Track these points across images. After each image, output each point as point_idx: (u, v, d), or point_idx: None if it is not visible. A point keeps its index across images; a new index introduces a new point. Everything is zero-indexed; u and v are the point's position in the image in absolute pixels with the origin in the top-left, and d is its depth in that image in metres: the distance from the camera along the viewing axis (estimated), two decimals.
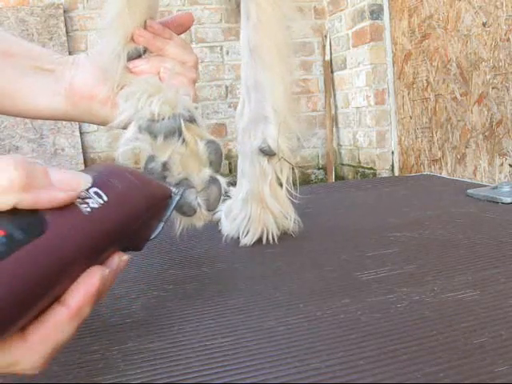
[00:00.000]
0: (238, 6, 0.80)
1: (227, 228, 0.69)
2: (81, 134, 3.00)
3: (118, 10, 0.52)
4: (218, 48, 3.23)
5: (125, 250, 0.37)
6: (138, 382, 0.35)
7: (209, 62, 3.22)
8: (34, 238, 0.28)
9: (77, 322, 0.31)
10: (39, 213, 0.29)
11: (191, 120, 0.50)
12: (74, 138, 2.96)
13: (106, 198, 0.33)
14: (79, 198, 0.32)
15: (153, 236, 0.41)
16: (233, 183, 0.72)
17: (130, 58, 0.54)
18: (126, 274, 0.58)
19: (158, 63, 0.54)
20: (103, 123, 0.55)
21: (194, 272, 0.58)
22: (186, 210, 0.49)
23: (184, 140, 0.49)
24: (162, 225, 0.41)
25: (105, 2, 0.53)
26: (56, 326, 0.30)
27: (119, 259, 0.35)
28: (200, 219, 0.50)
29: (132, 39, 0.53)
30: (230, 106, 3.22)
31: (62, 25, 2.93)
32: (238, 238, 0.67)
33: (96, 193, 0.33)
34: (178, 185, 0.48)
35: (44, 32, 2.89)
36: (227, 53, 3.24)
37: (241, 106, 0.69)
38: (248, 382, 0.34)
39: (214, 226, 0.72)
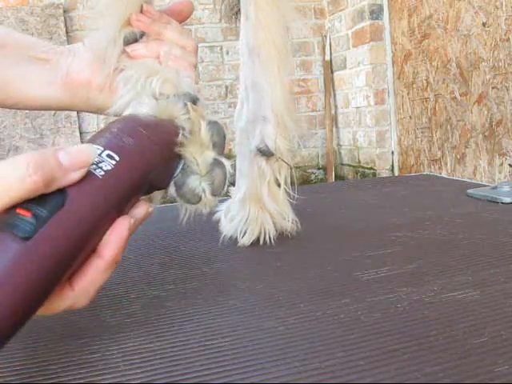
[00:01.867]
0: (233, 8, 0.80)
1: (226, 228, 0.69)
2: (81, 133, 3.01)
3: None
4: (218, 48, 3.23)
5: (151, 191, 0.43)
6: (138, 382, 0.35)
7: (209, 61, 3.22)
8: (56, 212, 0.32)
9: (113, 269, 0.37)
10: (61, 190, 0.34)
11: (194, 100, 0.48)
12: (73, 137, 2.96)
13: (118, 158, 0.37)
14: (93, 164, 0.36)
15: (176, 173, 0.45)
16: (233, 183, 0.72)
17: (127, 43, 0.52)
18: (125, 274, 0.58)
19: (156, 47, 0.52)
20: (100, 111, 0.54)
21: (194, 272, 0.58)
22: (191, 198, 0.48)
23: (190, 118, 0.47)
24: (182, 162, 0.46)
25: None
26: (96, 275, 0.36)
27: (146, 210, 0.40)
28: (205, 205, 0.49)
29: (129, 23, 0.52)
30: (229, 106, 3.22)
31: (62, 25, 2.93)
32: (237, 238, 0.67)
33: (108, 155, 0.37)
34: (181, 170, 0.47)
35: (44, 32, 2.89)
36: (227, 53, 3.24)
37: (239, 107, 0.69)
38: (248, 381, 0.34)
39: (213, 226, 0.72)
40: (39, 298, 0.32)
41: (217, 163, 0.49)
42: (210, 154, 0.48)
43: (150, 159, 0.41)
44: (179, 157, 0.45)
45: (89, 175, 0.35)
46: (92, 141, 0.40)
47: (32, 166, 0.32)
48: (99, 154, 0.37)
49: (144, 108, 0.47)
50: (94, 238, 0.35)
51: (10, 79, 0.53)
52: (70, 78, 0.53)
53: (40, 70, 0.54)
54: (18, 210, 0.31)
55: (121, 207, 0.38)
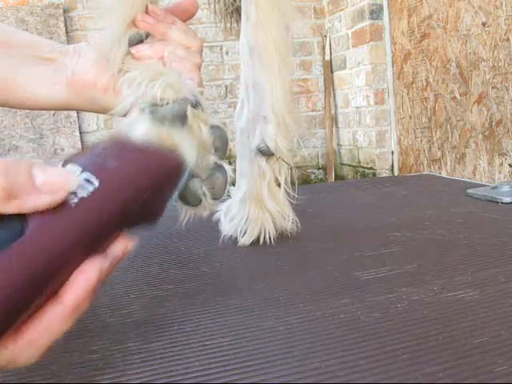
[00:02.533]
0: (228, 7, 0.80)
1: (226, 228, 0.69)
2: (81, 133, 3.00)
3: None
4: (218, 48, 3.23)
5: (136, 225, 0.35)
6: (138, 382, 0.35)
7: (208, 61, 3.22)
8: (11, 242, 0.27)
9: (73, 318, 0.30)
10: (21, 216, 0.28)
11: (196, 105, 0.48)
12: (73, 137, 2.96)
13: (97, 184, 0.31)
14: None
15: (168, 204, 0.38)
16: (233, 183, 0.72)
17: (132, 44, 0.53)
18: (125, 273, 0.58)
19: (161, 48, 0.52)
20: (104, 111, 0.54)
21: (194, 272, 0.58)
22: (191, 200, 0.47)
23: (188, 125, 0.47)
24: (176, 193, 0.38)
25: None
26: (52, 323, 0.30)
27: (124, 247, 0.33)
28: (205, 208, 0.48)
29: (133, 24, 0.52)
30: (229, 106, 3.22)
31: (62, 25, 2.93)
32: (237, 238, 0.67)
33: (86, 180, 0.31)
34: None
35: (44, 32, 2.89)
36: (227, 53, 3.24)
37: (240, 106, 0.69)
38: (248, 381, 0.34)
39: (213, 226, 0.72)
40: None
41: (218, 168, 0.49)
42: (212, 158, 0.48)
43: (135, 188, 0.34)
44: (174, 187, 0.38)
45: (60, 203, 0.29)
46: (72, 159, 0.33)
47: None
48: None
49: (140, 129, 0.45)
50: (55, 278, 0.29)
51: (15, 79, 0.54)
52: (75, 78, 0.53)
53: (45, 70, 0.54)
54: None
55: (95, 244, 0.31)
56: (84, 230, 0.30)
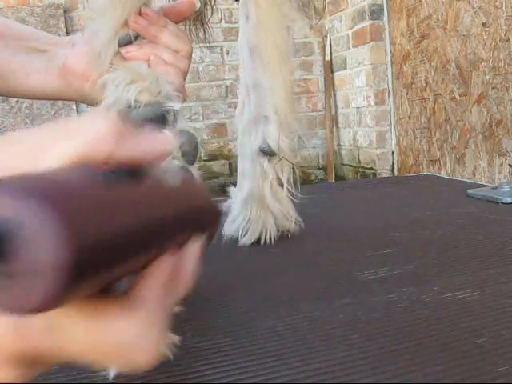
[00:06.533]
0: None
1: (227, 228, 0.69)
2: None
3: None
4: (218, 48, 3.23)
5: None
6: (139, 382, 0.35)
7: (209, 62, 3.22)
8: (134, 183, 0.25)
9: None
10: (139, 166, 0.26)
11: (164, 113, 0.49)
12: None
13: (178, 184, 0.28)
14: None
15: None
16: (233, 183, 0.72)
17: (122, 44, 0.54)
18: None
19: (149, 50, 0.53)
20: (94, 103, 0.56)
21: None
22: None
23: None
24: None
25: None
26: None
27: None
28: None
29: (125, 25, 0.53)
30: (230, 106, 3.22)
31: (62, 25, 2.93)
32: (238, 238, 0.67)
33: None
34: None
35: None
36: (227, 53, 3.24)
37: (240, 107, 0.69)
38: (248, 382, 0.34)
39: None
40: None
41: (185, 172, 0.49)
42: (176, 163, 0.48)
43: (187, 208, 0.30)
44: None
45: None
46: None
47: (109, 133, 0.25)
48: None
49: None
50: (151, 245, 0.25)
51: (9, 69, 0.55)
52: (66, 68, 0.55)
53: (38, 59, 0.55)
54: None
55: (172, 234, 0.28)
56: (175, 207, 0.28)
